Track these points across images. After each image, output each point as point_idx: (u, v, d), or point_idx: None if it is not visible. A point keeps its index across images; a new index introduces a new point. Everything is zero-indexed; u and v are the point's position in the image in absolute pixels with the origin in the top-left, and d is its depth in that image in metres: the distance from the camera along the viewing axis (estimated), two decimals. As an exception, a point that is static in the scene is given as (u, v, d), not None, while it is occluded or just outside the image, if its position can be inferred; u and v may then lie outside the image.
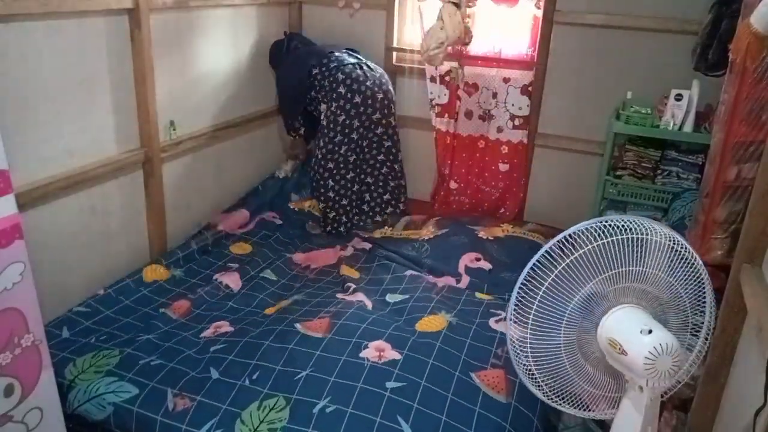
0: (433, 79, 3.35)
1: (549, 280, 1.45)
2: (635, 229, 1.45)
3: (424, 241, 2.95)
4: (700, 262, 1.48)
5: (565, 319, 1.48)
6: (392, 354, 1.97)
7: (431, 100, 3.39)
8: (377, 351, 1.98)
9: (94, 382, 1.88)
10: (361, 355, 1.96)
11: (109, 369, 1.93)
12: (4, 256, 1.43)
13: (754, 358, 1.52)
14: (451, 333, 2.11)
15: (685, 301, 1.50)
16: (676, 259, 1.47)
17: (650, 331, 1.37)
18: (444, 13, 3.02)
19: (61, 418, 1.68)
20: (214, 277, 2.57)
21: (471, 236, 2.94)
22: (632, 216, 1.50)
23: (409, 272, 2.66)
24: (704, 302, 1.51)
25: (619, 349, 1.40)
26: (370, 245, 2.99)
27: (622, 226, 1.44)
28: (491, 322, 2.24)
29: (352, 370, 1.90)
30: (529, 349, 1.51)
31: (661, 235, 1.47)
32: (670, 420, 1.97)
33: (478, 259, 2.75)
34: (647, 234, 1.45)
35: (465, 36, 3.17)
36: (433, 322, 2.18)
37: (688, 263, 1.47)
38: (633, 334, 1.38)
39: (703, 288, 1.49)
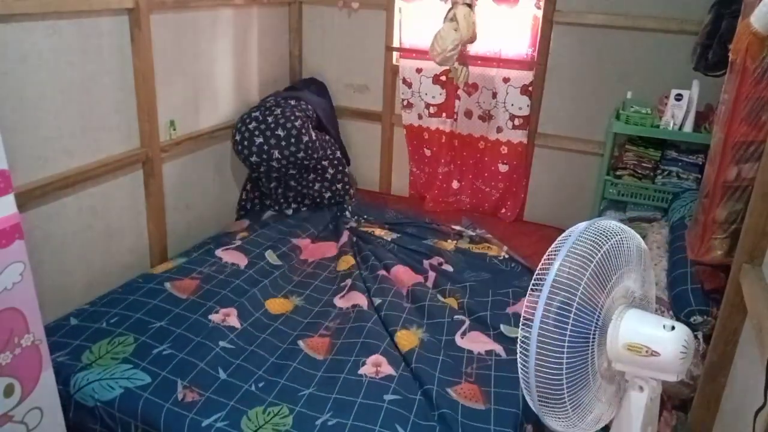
0: (404, 81, 3.44)
1: (554, 308, 1.30)
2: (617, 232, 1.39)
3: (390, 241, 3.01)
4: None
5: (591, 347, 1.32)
6: (388, 369, 2.03)
7: (403, 100, 3.48)
8: (374, 366, 2.04)
9: (110, 367, 1.92)
10: (359, 372, 2.02)
11: (125, 357, 1.97)
12: (4, 256, 1.43)
13: (754, 358, 1.52)
14: (424, 351, 2.15)
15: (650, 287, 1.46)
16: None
17: (673, 327, 1.34)
18: (458, 14, 3.03)
19: (62, 418, 1.69)
20: (217, 253, 2.64)
21: (427, 245, 2.99)
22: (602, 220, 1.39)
23: (381, 272, 2.67)
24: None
25: (647, 351, 1.35)
26: (356, 238, 3.03)
27: (612, 230, 1.38)
28: (457, 338, 2.27)
29: (352, 386, 1.95)
30: (565, 388, 1.32)
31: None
32: (670, 420, 1.97)
33: (440, 264, 2.79)
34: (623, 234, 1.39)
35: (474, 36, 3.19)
36: (407, 339, 2.21)
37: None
38: (657, 333, 1.35)
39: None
